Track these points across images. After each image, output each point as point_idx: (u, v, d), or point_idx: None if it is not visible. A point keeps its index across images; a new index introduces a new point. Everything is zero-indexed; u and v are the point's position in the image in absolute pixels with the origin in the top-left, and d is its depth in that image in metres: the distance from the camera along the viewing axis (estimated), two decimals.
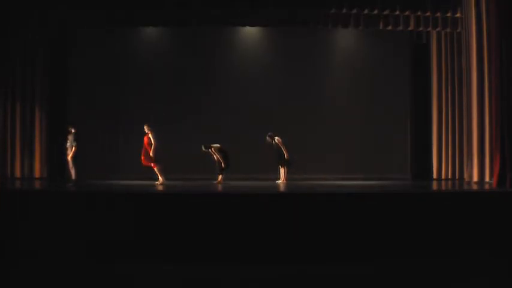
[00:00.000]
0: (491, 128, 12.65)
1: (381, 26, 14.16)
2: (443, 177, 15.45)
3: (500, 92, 12.06)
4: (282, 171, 14.44)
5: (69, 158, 13.40)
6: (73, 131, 13.44)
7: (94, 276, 8.57)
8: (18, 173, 15.09)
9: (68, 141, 13.42)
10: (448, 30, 14.40)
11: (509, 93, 11.94)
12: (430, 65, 15.68)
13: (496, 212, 10.06)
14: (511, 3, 11.92)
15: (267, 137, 14.51)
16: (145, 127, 13.26)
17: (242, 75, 16.59)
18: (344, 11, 13.80)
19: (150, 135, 13.19)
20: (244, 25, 15.27)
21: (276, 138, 14.43)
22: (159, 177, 13.29)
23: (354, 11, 13.83)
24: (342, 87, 16.73)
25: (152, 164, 13.26)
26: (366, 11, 13.85)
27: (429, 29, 14.42)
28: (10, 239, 9.77)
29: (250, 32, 16.51)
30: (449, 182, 14.76)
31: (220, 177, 13.81)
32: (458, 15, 13.88)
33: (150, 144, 13.16)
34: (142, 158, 13.28)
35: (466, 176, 14.19)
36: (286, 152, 14.31)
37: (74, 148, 13.31)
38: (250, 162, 15.23)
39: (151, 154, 13.11)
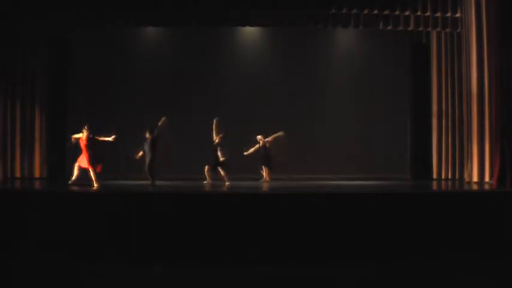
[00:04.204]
0: (491, 128, 12.65)
1: (381, 26, 14.15)
2: (443, 177, 15.42)
3: (500, 92, 12.06)
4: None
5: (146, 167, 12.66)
6: (148, 136, 12.72)
7: (93, 276, 8.58)
8: (18, 173, 15.07)
9: (146, 147, 12.73)
10: (448, 30, 14.39)
11: (509, 93, 11.95)
12: (430, 65, 15.66)
13: (496, 212, 10.07)
14: (511, 3, 11.93)
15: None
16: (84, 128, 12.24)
17: (242, 75, 16.59)
18: (344, 11, 13.81)
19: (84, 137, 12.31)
20: (244, 25, 15.25)
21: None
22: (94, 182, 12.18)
23: (354, 11, 13.84)
24: (342, 87, 16.75)
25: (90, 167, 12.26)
26: (365, 11, 13.86)
27: (429, 29, 14.41)
28: (10, 239, 9.78)
29: (250, 32, 16.51)
30: (449, 182, 14.75)
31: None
32: (458, 15, 13.88)
33: (88, 146, 12.28)
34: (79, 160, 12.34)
35: (466, 176, 14.17)
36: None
37: (150, 156, 12.61)
38: (250, 162, 15.22)
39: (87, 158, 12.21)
